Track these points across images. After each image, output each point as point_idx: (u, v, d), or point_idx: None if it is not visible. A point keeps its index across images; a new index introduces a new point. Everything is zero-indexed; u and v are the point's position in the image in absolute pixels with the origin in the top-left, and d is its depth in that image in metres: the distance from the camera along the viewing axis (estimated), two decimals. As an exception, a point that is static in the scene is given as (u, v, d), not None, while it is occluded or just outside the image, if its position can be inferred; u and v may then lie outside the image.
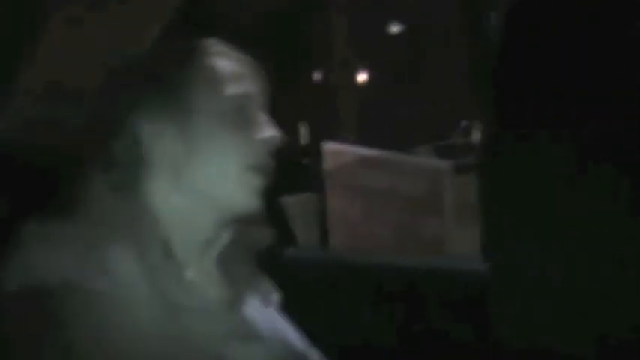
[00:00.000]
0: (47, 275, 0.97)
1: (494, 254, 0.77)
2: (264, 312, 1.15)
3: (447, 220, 2.70)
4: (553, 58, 0.68)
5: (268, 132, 1.10)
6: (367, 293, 1.57)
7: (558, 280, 0.70)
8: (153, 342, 0.97)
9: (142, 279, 1.00)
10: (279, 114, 1.17)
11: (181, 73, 1.07)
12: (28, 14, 1.33)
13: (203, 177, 1.06)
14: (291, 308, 1.22)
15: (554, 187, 0.69)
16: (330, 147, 3.10)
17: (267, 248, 1.19)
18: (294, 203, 2.74)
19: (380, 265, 1.62)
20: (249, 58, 1.13)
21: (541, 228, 0.71)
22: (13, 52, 1.35)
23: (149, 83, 1.07)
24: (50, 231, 1.01)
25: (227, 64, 1.09)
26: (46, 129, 1.62)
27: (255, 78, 1.13)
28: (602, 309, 0.68)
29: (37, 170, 1.33)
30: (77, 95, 1.24)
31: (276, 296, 1.20)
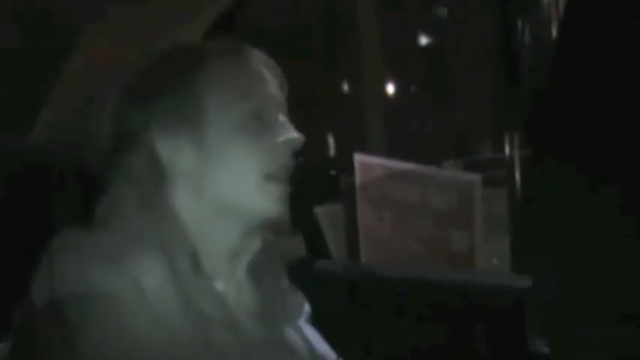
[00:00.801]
0: (77, 286, 0.97)
1: (526, 268, 0.76)
2: (295, 324, 1.15)
3: (477, 233, 2.67)
4: (602, 78, 0.67)
5: (288, 135, 1.08)
6: (399, 308, 1.56)
7: (593, 295, 0.69)
8: (183, 354, 0.97)
9: (171, 291, 0.99)
10: (307, 125, 1.15)
11: (193, 83, 1.05)
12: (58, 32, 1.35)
13: (223, 187, 1.05)
14: (320, 321, 1.21)
15: (587, 203, 0.68)
16: (360, 158, 3.08)
17: (299, 259, 1.19)
18: (322, 214, 2.74)
19: (412, 279, 1.61)
20: (268, 59, 1.11)
21: (574, 243, 0.70)
22: (47, 67, 1.37)
23: (160, 95, 1.05)
24: (81, 242, 1.01)
25: (242, 68, 1.07)
26: (77, 141, 1.64)
27: (275, 79, 1.11)
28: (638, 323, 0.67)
29: (70, 182, 1.34)
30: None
31: (306, 308, 1.20)
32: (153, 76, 1.08)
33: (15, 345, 1.02)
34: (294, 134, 1.08)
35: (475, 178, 2.76)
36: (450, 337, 1.52)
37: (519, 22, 2.97)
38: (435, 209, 2.85)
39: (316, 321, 1.20)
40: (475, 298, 1.53)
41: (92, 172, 1.60)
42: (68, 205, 1.28)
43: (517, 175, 2.81)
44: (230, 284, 1.08)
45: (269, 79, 1.10)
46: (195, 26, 1.58)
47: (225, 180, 1.05)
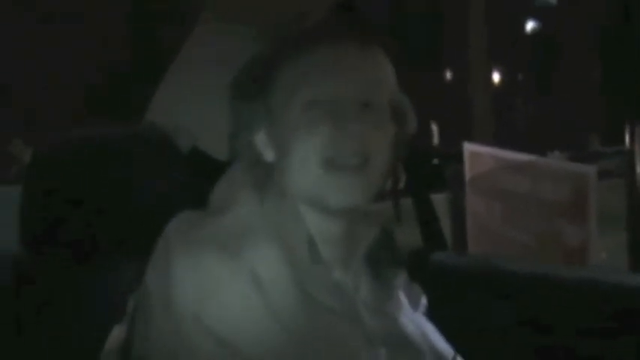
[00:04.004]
0: (194, 274, 0.96)
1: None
2: (413, 317, 1.12)
3: (591, 227, 2.58)
4: None
5: (349, 127, 1.01)
6: (515, 301, 1.51)
7: None
8: (300, 346, 0.95)
9: (289, 281, 0.98)
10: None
11: (269, 76, 1.04)
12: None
13: (291, 177, 1.03)
14: (437, 314, 1.18)
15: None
16: (469, 148, 3.02)
17: (416, 251, 1.16)
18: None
19: (530, 273, 1.56)
20: (363, 48, 1.05)
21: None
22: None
23: (249, 89, 1.06)
24: (198, 229, 1.01)
25: (315, 55, 1.03)
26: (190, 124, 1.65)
27: (360, 69, 1.05)
28: None
29: (182, 163, 1.35)
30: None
31: (424, 301, 1.17)
32: (251, 69, 1.08)
33: (130, 329, 1.03)
34: (354, 127, 1.02)
35: (590, 169, 2.66)
36: (563, 334, 1.47)
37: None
38: (547, 201, 2.77)
39: (433, 315, 1.17)
40: (594, 295, 1.47)
41: (204, 154, 1.61)
42: (181, 188, 1.29)
43: (638, 169, 2.69)
44: (348, 274, 1.05)
45: (348, 69, 1.04)
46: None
47: (289, 173, 1.03)
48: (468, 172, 2.99)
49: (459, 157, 3.07)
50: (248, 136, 1.05)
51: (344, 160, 1.01)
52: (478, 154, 2.99)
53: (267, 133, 1.05)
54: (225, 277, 0.96)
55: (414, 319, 1.12)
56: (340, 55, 1.04)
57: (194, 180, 1.26)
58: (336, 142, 1.01)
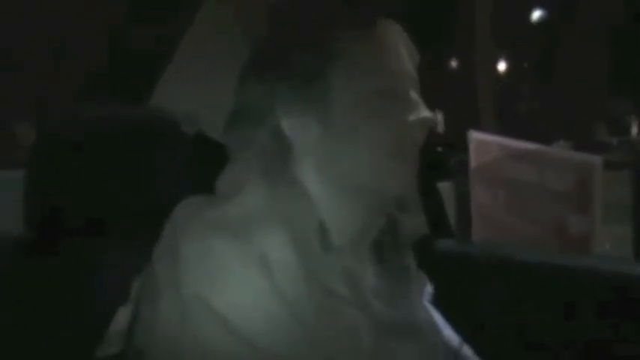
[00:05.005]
0: (203, 259, 0.96)
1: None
2: (419, 305, 1.11)
3: (596, 217, 2.57)
4: None
5: (420, 113, 1.04)
6: (522, 290, 1.51)
7: None
8: (309, 333, 0.95)
9: (299, 268, 0.97)
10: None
11: (320, 58, 1.02)
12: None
13: (347, 165, 1.02)
14: (443, 302, 1.18)
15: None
16: (475, 136, 3.00)
17: (422, 239, 1.15)
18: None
19: (536, 261, 1.55)
20: (402, 31, 1.07)
21: None
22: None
23: (285, 72, 1.03)
24: (206, 214, 1.00)
25: (372, 43, 1.03)
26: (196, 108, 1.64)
27: (408, 53, 1.06)
28: None
29: (187, 148, 1.34)
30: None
31: (429, 289, 1.16)
32: (278, 48, 1.05)
33: (135, 311, 1.03)
34: (425, 113, 1.04)
35: (596, 159, 2.66)
36: (570, 323, 1.46)
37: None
38: (552, 190, 2.76)
39: (439, 303, 1.17)
40: (599, 284, 1.47)
41: (207, 139, 1.61)
42: (187, 171, 1.28)
43: (644, 159, 2.69)
44: (356, 262, 1.05)
45: (402, 54, 1.05)
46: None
47: (349, 158, 1.01)
48: (473, 160, 2.98)
49: (464, 145, 3.07)
50: (273, 119, 1.03)
51: (411, 144, 1.04)
52: (483, 142, 2.97)
53: (314, 116, 1.02)
54: (233, 261, 0.95)
55: (421, 308, 1.11)
56: (396, 38, 1.05)
57: (200, 164, 1.25)
58: (411, 126, 1.03)
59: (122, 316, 1.05)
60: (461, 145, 3.14)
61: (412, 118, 1.03)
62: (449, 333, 1.13)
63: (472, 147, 2.96)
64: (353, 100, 1.01)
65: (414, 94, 1.05)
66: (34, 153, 1.23)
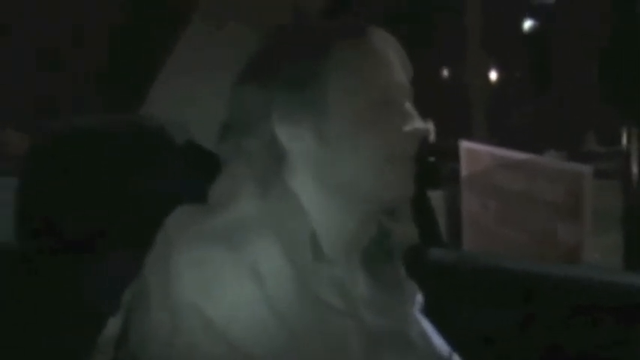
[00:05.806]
0: (196, 268, 0.96)
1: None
2: (410, 314, 1.11)
3: (585, 226, 2.59)
4: None
5: (414, 124, 1.04)
6: (512, 298, 1.51)
7: None
8: (300, 342, 0.95)
9: (290, 277, 0.97)
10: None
11: (316, 69, 1.02)
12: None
13: (343, 174, 1.02)
14: (433, 311, 1.18)
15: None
16: (466, 146, 3.03)
17: (412, 248, 1.15)
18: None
19: (526, 270, 1.56)
20: (395, 42, 1.07)
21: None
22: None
23: (281, 79, 1.02)
24: (199, 223, 1.00)
25: (368, 53, 1.03)
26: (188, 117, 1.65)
27: (401, 64, 1.06)
28: None
29: (179, 156, 1.34)
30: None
31: (420, 298, 1.17)
32: (273, 59, 1.05)
33: (126, 321, 1.03)
34: (419, 124, 1.04)
35: (586, 169, 2.68)
36: (562, 332, 1.47)
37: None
38: (542, 200, 2.78)
39: (429, 312, 1.17)
40: (591, 294, 1.48)
41: (200, 148, 1.61)
42: (179, 180, 1.28)
43: (634, 169, 2.70)
44: (347, 272, 1.05)
45: (396, 64, 1.06)
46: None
47: (345, 167, 1.02)
48: (464, 169, 3.00)
49: (455, 154, 3.08)
50: (268, 128, 1.02)
51: (404, 153, 1.03)
52: (474, 152, 3.00)
53: (310, 126, 1.02)
54: (225, 270, 0.95)
55: (411, 317, 1.11)
56: (389, 49, 1.06)
57: (191, 172, 1.26)
58: (405, 137, 1.03)
59: (113, 325, 1.05)
60: (452, 155, 3.16)
61: (406, 129, 1.04)
62: (439, 341, 1.13)
63: (463, 156, 2.98)
64: (348, 110, 1.02)
65: (408, 106, 1.06)
66: (26, 164, 1.23)
